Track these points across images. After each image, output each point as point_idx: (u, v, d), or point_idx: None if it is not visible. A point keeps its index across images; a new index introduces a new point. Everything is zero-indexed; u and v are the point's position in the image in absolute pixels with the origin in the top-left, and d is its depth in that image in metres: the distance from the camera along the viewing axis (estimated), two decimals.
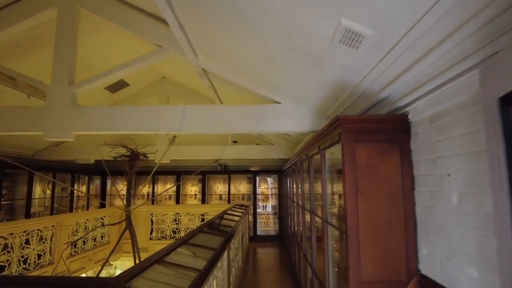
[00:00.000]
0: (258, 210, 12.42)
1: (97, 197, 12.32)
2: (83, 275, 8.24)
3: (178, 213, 10.05)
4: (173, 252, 3.32)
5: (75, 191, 10.95)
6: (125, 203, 5.82)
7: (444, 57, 1.68)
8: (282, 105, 4.11)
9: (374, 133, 2.35)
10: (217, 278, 3.43)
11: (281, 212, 12.02)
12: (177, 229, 9.91)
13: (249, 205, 11.22)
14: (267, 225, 12.51)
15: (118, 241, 5.93)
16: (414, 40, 1.73)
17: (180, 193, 12.77)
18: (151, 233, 9.80)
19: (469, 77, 1.61)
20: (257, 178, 12.69)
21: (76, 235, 7.73)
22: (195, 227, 8.52)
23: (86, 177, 12.06)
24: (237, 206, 10.12)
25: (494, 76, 1.30)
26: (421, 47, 1.75)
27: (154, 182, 12.86)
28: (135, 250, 5.61)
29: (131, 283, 2.32)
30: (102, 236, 8.90)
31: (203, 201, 12.51)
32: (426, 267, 2.11)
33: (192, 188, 13.23)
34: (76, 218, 7.98)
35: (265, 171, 12.66)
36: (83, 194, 11.67)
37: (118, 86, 7.73)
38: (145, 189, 12.90)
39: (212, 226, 5.77)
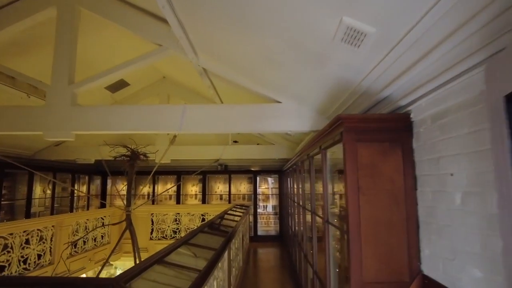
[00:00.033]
0: (258, 210, 12.39)
1: (98, 197, 12.30)
2: (83, 275, 8.22)
3: (179, 213, 10.02)
4: (174, 252, 3.30)
5: (75, 191, 10.94)
6: (125, 203, 5.80)
7: (447, 55, 1.66)
8: (282, 105, 4.09)
9: (376, 132, 2.33)
10: (217, 278, 3.41)
11: (282, 212, 12.00)
12: (177, 229, 9.89)
13: (249, 205, 11.19)
14: (267, 225, 12.48)
15: (118, 241, 5.91)
16: (417, 37, 1.71)
17: (181, 193, 12.75)
18: (151, 233, 9.78)
19: (473, 75, 1.59)
20: (258, 178, 12.66)
21: (77, 235, 7.71)
22: (195, 227, 8.51)
23: (87, 177, 12.05)
24: (238, 206, 10.10)
25: (501, 73, 1.27)
26: (424, 45, 1.73)
27: (154, 182, 12.84)
28: (135, 250, 5.58)
29: (131, 283, 2.30)
30: (102, 236, 8.88)
31: (204, 201, 12.48)
32: (429, 268, 2.09)
33: (193, 188, 13.21)
34: (76, 218, 7.97)
35: (266, 171, 12.64)
36: (83, 194, 11.66)
37: (118, 86, 7.72)
38: (146, 189, 12.88)
39: (212, 226, 5.75)
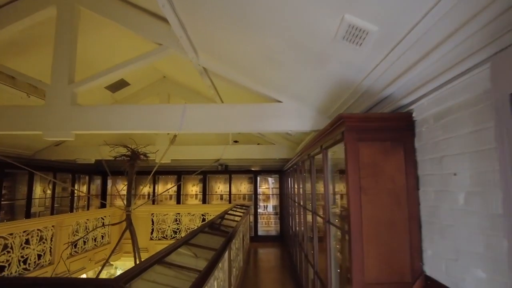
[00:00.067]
0: (259, 210, 12.37)
1: (98, 197, 12.29)
2: (84, 275, 8.21)
3: (179, 213, 10.01)
4: (174, 253, 3.28)
5: (75, 191, 10.92)
6: (125, 203, 5.78)
7: (450, 53, 1.64)
8: (283, 104, 4.07)
9: (378, 131, 2.31)
10: (218, 279, 3.40)
11: (282, 212, 11.98)
12: (178, 229, 9.87)
13: (250, 205, 11.17)
14: (268, 225, 12.46)
15: (119, 241, 5.89)
16: (420, 35, 1.69)
17: (181, 193, 12.74)
18: (151, 233, 9.76)
19: (477, 73, 1.57)
20: (258, 178, 12.64)
21: (77, 235, 7.70)
22: (196, 227, 8.49)
23: (87, 177, 12.04)
24: (238, 206, 10.07)
25: (507, 70, 1.25)
26: (427, 43, 1.71)
27: (154, 182, 12.83)
28: (136, 250, 5.57)
29: (131, 284, 2.28)
30: (102, 236, 8.87)
31: (204, 201, 12.47)
32: (431, 268, 2.07)
33: (193, 188, 13.19)
34: (77, 218, 7.95)
35: (266, 171, 12.62)
36: (83, 194, 11.64)
37: (119, 85, 7.70)
38: (146, 189, 12.87)
39: (213, 226, 5.73)
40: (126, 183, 6.00)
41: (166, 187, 12.97)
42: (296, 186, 6.73)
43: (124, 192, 6.07)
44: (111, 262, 8.82)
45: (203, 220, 9.88)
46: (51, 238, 6.78)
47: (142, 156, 5.90)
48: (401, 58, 1.95)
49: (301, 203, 5.68)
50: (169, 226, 9.85)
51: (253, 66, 3.66)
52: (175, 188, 12.54)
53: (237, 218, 7.30)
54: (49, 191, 10.03)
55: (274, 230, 12.30)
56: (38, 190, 9.72)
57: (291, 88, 3.73)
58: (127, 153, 5.81)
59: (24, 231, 6.06)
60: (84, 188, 12.02)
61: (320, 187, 4.14)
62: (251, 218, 11.67)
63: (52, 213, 9.75)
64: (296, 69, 3.12)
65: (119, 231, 7.73)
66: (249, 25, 2.68)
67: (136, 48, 5.46)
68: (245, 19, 2.59)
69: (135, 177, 6.66)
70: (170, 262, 3.04)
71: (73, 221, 7.62)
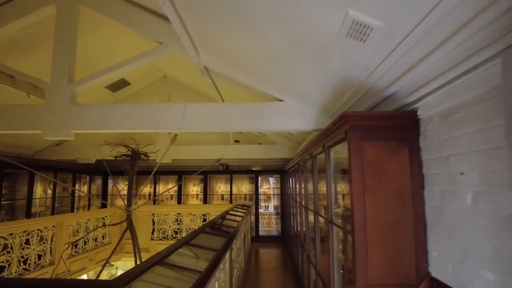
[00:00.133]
0: (260, 210, 12.34)
1: (98, 197, 12.27)
2: (84, 275, 8.18)
3: (180, 213, 9.98)
4: (174, 253, 3.25)
5: (76, 191, 10.90)
6: (126, 203, 5.75)
7: (458, 49, 1.60)
8: (285, 103, 4.03)
9: (382, 130, 2.26)
10: (219, 279, 3.36)
11: (284, 212, 11.94)
12: (178, 229, 9.84)
13: (251, 205, 11.13)
14: (269, 225, 12.43)
15: (119, 241, 5.86)
16: (426, 31, 1.65)
17: (182, 193, 12.70)
18: (152, 233, 9.74)
19: (485, 70, 1.52)
20: (259, 178, 12.60)
21: (77, 235, 7.67)
22: (197, 227, 8.45)
23: (88, 177, 12.02)
24: (239, 206, 10.04)
25: None
26: (433, 39, 1.67)
27: (155, 182, 12.81)
28: (136, 250, 5.53)
29: (131, 285, 2.25)
30: (103, 236, 8.84)
31: (205, 201, 12.43)
32: (437, 270, 2.02)
33: (194, 188, 13.16)
34: (77, 218, 7.92)
35: (267, 171, 12.58)
36: (84, 194, 11.62)
37: (119, 85, 7.67)
38: (147, 189, 12.84)
39: (214, 227, 5.69)
40: (126, 183, 5.97)
41: (167, 187, 12.95)
42: (297, 186, 6.69)
43: (125, 192, 6.04)
44: (112, 263, 8.80)
45: (204, 220, 9.85)
46: (52, 238, 6.75)
47: (142, 156, 5.87)
48: (406, 54, 1.91)
49: (303, 203, 5.64)
50: (170, 226, 9.82)
51: (254, 64, 3.62)
52: (176, 188, 12.52)
53: (238, 218, 7.27)
54: (49, 191, 10.01)
55: (275, 230, 12.26)
56: (38, 190, 9.70)
57: (292, 86, 3.69)
58: (127, 153, 5.79)
59: (24, 231, 6.03)
60: (85, 188, 11.99)
61: (322, 187, 4.10)
62: (252, 218, 11.64)
63: (52, 213, 9.73)
64: (298, 67, 3.08)
65: (119, 231, 7.70)
66: (250, 22, 2.64)
67: (137, 47, 5.42)
68: (246, 16, 2.55)
69: (136, 177, 6.64)
70: (171, 262, 3.00)
71: (73, 221, 7.59)
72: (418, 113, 2.21)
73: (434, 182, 2.06)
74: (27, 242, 6.08)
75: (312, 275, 4.59)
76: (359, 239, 2.18)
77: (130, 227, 5.60)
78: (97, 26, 5.43)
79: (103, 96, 7.71)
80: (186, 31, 3.33)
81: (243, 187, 12.99)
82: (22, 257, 5.94)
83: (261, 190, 12.75)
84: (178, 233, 9.79)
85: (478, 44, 1.49)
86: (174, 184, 12.70)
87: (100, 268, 6.20)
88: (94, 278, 8.02)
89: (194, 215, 9.97)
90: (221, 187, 13.06)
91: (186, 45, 3.61)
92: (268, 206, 12.79)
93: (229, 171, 12.45)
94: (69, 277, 6.85)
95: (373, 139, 2.25)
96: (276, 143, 9.15)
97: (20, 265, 5.86)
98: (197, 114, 4.05)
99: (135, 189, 12.04)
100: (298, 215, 6.57)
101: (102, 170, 11.52)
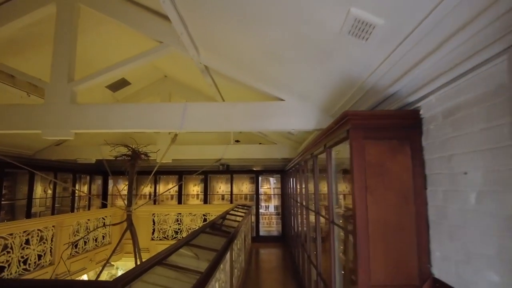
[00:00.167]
0: (260, 210, 12.32)
1: (99, 197, 12.25)
2: (84, 275, 8.17)
3: (180, 213, 9.97)
4: (175, 254, 3.23)
5: (76, 191, 10.88)
6: (126, 203, 5.73)
7: (462, 46, 1.57)
8: (285, 102, 4.00)
9: (384, 129, 2.24)
10: (219, 280, 3.34)
11: (284, 212, 11.92)
12: (179, 229, 9.83)
13: (251, 205, 11.11)
14: (269, 225, 12.41)
15: (119, 241, 5.84)
16: (430, 28, 1.63)
17: (182, 193, 12.69)
18: (153, 233, 9.72)
19: (490, 67, 1.50)
20: (260, 178, 12.59)
21: (77, 235, 7.65)
22: (197, 228, 8.43)
23: (88, 177, 12.01)
24: (240, 206, 10.02)
25: None
26: (437, 36, 1.64)
27: (156, 182, 12.79)
28: (136, 250, 5.52)
29: (130, 286, 2.23)
30: (103, 237, 8.83)
31: (205, 201, 12.42)
32: (440, 271, 2.00)
33: (194, 188, 13.14)
34: (77, 218, 7.91)
35: (268, 171, 12.56)
36: (84, 194, 11.61)
37: (119, 85, 7.65)
38: (147, 189, 12.83)
39: (214, 227, 5.68)
40: (127, 183, 5.96)
41: (167, 187, 12.93)
42: (298, 186, 6.67)
43: (125, 192, 6.02)
44: (112, 263, 8.78)
45: (205, 220, 9.84)
46: (52, 238, 6.74)
47: (143, 156, 5.86)
48: (408, 53, 1.89)
49: (304, 203, 5.62)
50: (170, 226, 9.80)
51: (254, 63, 3.60)
52: (176, 188, 12.50)
53: (238, 219, 7.25)
54: (49, 191, 10.00)
55: (275, 231, 12.24)
56: (38, 190, 9.69)
57: (293, 86, 3.67)
58: (128, 153, 5.77)
59: (24, 231, 6.01)
60: (85, 188, 11.98)
61: (323, 187, 4.08)
62: (253, 218, 11.63)
63: (53, 213, 9.72)
64: (299, 66, 3.06)
65: (120, 231, 7.68)
66: (251, 21, 2.62)
67: (137, 47, 5.41)
68: (247, 14, 2.53)
69: (136, 177, 6.63)
70: (171, 263, 2.98)
71: (73, 221, 7.57)
72: (421, 112, 2.18)
73: (436, 182, 2.03)
74: (27, 242, 6.06)
75: (313, 275, 4.57)
76: (361, 240, 2.16)
77: (130, 227, 5.59)
78: (97, 26, 5.41)
79: (103, 96, 7.69)
80: (187, 30, 3.31)
81: (244, 187, 12.97)
82: (22, 257, 5.92)
83: (261, 190, 12.74)
84: (179, 233, 9.77)
85: (483, 42, 1.46)
86: (174, 184, 12.69)
87: (100, 268, 6.19)
88: (94, 278, 8.01)
89: (195, 215, 9.96)
90: (221, 187, 13.04)
91: (186, 44, 3.60)
92: (268, 206, 12.77)
93: (229, 171, 12.43)
94: (69, 277, 6.83)
95: (375, 139, 2.23)
96: (277, 143, 9.13)
97: (20, 265, 5.84)
98: (198, 113, 4.03)
99: (135, 189, 12.02)
100: (299, 215, 6.55)
101: (103, 170, 11.50)
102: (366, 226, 2.16)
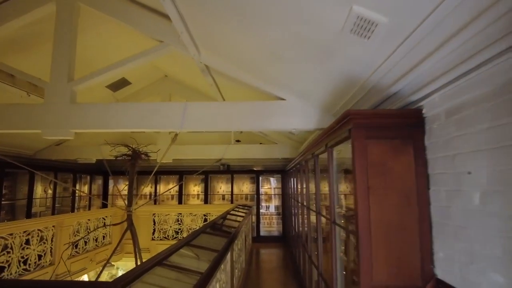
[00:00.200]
0: (261, 211, 12.30)
1: (99, 197, 12.24)
2: (85, 275, 8.16)
3: (181, 213, 9.95)
4: (175, 254, 3.21)
5: (76, 191, 10.87)
6: (126, 203, 5.72)
7: (466, 44, 1.55)
8: (286, 102, 3.98)
9: (386, 129, 2.22)
10: (220, 281, 3.31)
11: (285, 212, 11.90)
12: (179, 229, 9.81)
13: (252, 205, 11.09)
14: (270, 225, 12.39)
15: (119, 241, 5.83)
16: (433, 26, 1.60)
17: (183, 193, 12.68)
18: (153, 233, 9.70)
19: (495, 65, 1.47)
20: (260, 178, 12.57)
21: (78, 235, 7.63)
22: (197, 228, 8.42)
23: (88, 177, 12.00)
24: (240, 206, 10.01)
25: None
26: (440, 34, 1.62)
27: (156, 182, 12.78)
28: (136, 251, 5.50)
29: (130, 287, 2.20)
30: (104, 237, 8.81)
31: (206, 201, 12.40)
32: (443, 272, 1.97)
33: (195, 188, 13.13)
34: (77, 218, 7.89)
35: (268, 171, 12.54)
36: (84, 194, 11.60)
37: (120, 84, 7.63)
38: (147, 189, 12.81)
39: (215, 227, 5.66)
40: (127, 183, 5.94)
41: (168, 187, 12.92)
42: (299, 186, 6.64)
43: (126, 192, 6.01)
44: (112, 263, 8.76)
45: (205, 220, 9.82)
46: (52, 239, 6.72)
47: (143, 156, 5.84)
48: (412, 51, 1.86)
49: (305, 203, 5.59)
50: (170, 227, 9.78)
51: (255, 62, 3.58)
52: (176, 188, 12.48)
53: (239, 219, 7.23)
54: (50, 191, 9.98)
55: (276, 231, 12.22)
56: (39, 190, 9.67)
57: (294, 85, 3.65)
58: (128, 153, 5.75)
59: (24, 231, 6.00)
60: (86, 188, 11.97)
61: (324, 187, 4.05)
62: (253, 218, 11.61)
63: (53, 213, 9.70)
64: (300, 65, 3.04)
65: (120, 231, 7.67)
66: (251, 20, 2.60)
67: (137, 47, 5.38)
68: (247, 13, 2.51)
69: (137, 177, 6.61)
70: (171, 263, 2.96)
71: (74, 221, 7.56)
72: (423, 111, 2.16)
73: (440, 181, 2.01)
74: (27, 242, 6.05)
75: (314, 275, 4.55)
76: (363, 240, 2.14)
77: (131, 227, 5.57)
78: (97, 25, 5.39)
79: (103, 95, 7.67)
80: (187, 29, 3.29)
81: (244, 187, 12.95)
82: (22, 257, 5.91)
83: (262, 190, 12.72)
84: (179, 233, 9.76)
85: (486, 40, 1.44)
86: (175, 184, 12.67)
87: (101, 268, 6.17)
88: (94, 278, 7.99)
89: (195, 215, 9.94)
90: (222, 187, 13.03)
91: (186, 43, 3.57)
92: (269, 206, 12.75)
93: (230, 171, 12.41)
94: (69, 278, 6.82)
95: (377, 138, 2.21)
96: (278, 143, 9.11)
97: (20, 266, 5.83)
98: (198, 113, 4.01)
99: (135, 189, 12.01)
100: (300, 215, 6.52)
101: (103, 170, 11.50)
102: (368, 226, 2.14)
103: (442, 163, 1.97)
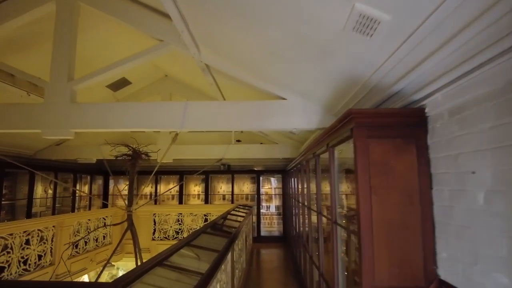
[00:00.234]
0: (261, 211, 12.28)
1: (99, 197, 12.23)
2: (85, 276, 8.14)
3: (181, 213, 9.93)
4: (175, 254, 3.19)
5: (77, 191, 10.86)
6: (127, 203, 5.70)
7: (470, 42, 1.53)
8: (287, 101, 3.96)
9: (388, 128, 2.20)
10: (220, 281, 3.29)
11: (285, 212, 11.88)
12: (180, 229, 9.79)
13: (252, 205, 11.06)
14: (270, 225, 12.36)
15: (120, 241, 5.82)
16: (437, 24, 1.58)
17: (183, 193, 12.66)
18: (153, 233, 9.69)
19: (499, 64, 1.45)
20: (261, 178, 12.55)
21: (78, 235, 7.62)
22: (198, 228, 8.40)
23: (88, 177, 11.99)
24: (241, 206, 9.99)
25: None
26: (444, 32, 1.60)
27: (156, 182, 12.77)
28: (137, 251, 5.48)
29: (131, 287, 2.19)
30: (104, 237, 8.79)
31: (206, 201, 12.38)
32: (446, 272, 1.95)
33: (195, 188, 13.11)
34: (78, 218, 7.87)
35: (269, 171, 12.52)
36: (85, 194, 11.58)
37: (120, 84, 7.62)
38: (148, 189, 12.80)
39: (215, 227, 5.64)
40: (127, 183, 5.93)
41: (168, 187, 12.90)
42: (300, 186, 6.62)
43: (126, 192, 5.99)
44: (113, 263, 8.75)
45: (206, 220, 9.80)
46: (52, 239, 6.70)
47: (143, 156, 5.83)
48: (414, 49, 1.84)
49: (306, 203, 5.57)
50: (171, 227, 9.76)
51: (256, 61, 3.56)
52: (177, 188, 12.47)
53: (239, 219, 7.21)
54: (50, 191, 9.97)
55: (277, 231, 12.20)
56: (39, 190, 9.66)
57: (295, 84, 3.63)
58: (128, 153, 5.74)
59: (24, 231, 5.98)
60: (86, 188, 11.96)
61: (325, 187, 4.03)
62: (254, 218, 11.59)
63: (53, 213, 9.68)
64: (301, 64, 3.01)
65: (121, 231, 7.66)
66: (252, 18, 2.58)
67: (137, 46, 5.36)
68: (248, 11, 2.49)
69: (137, 177, 6.59)
70: (172, 264, 2.94)
71: (74, 221, 7.54)
72: (426, 110, 2.14)
73: (442, 181, 1.99)
74: (27, 242, 6.03)
75: (315, 276, 4.53)
76: (365, 240, 2.12)
77: (131, 227, 5.55)
78: (97, 24, 5.38)
79: (103, 95, 7.66)
80: (187, 28, 3.27)
81: (245, 187, 12.94)
82: (22, 257, 5.89)
83: (262, 190, 12.70)
84: (180, 233, 9.74)
85: (490, 38, 1.42)
86: (175, 184, 12.65)
87: (101, 268, 6.15)
88: (95, 278, 7.97)
89: (196, 215, 9.92)
90: (222, 187, 13.01)
91: (187, 42, 3.56)
92: (269, 206, 12.73)
93: (230, 171, 12.40)
94: (69, 278, 6.80)
95: (379, 137, 2.19)
96: (278, 143, 9.10)
97: (20, 266, 5.81)
98: (198, 112, 3.99)
99: (136, 189, 11.99)
100: (301, 216, 6.50)
101: (103, 170, 11.48)
102: (370, 226, 2.12)
103: (445, 163, 1.95)
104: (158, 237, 9.68)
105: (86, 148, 8.70)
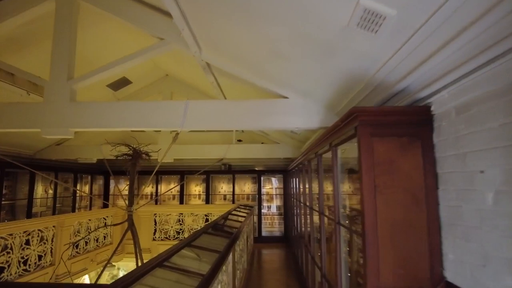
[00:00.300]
0: (263, 211, 12.24)
1: (100, 197, 12.20)
2: (85, 276, 8.11)
3: (182, 213, 9.90)
4: (176, 255, 3.15)
5: (77, 191, 10.83)
6: (127, 203, 5.66)
7: (479, 38, 1.48)
8: (289, 100, 3.92)
9: (393, 126, 2.15)
10: (221, 282, 3.25)
11: (287, 212, 11.84)
12: (180, 229, 9.76)
13: (253, 205, 11.02)
14: (272, 225, 12.32)
15: (120, 242, 5.78)
16: (444, 19, 1.53)
17: (184, 193, 12.63)
18: (154, 233, 9.66)
19: (507, 61, 1.41)
20: (262, 178, 12.51)
21: (78, 235, 7.59)
22: (199, 228, 8.36)
23: (89, 177, 11.96)
24: (242, 207, 9.95)
25: None
26: (451, 28, 1.55)
27: (157, 182, 12.74)
28: (137, 251, 5.44)
29: None
30: (104, 237, 8.76)
31: (207, 201, 12.34)
32: (453, 274, 1.91)
33: (196, 188, 13.08)
34: (78, 218, 7.84)
35: (270, 171, 12.48)
36: (85, 194, 11.56)
37: (120, 84, 7.57)
38: (148, 189, 12.77)
39: (216, 227, 5.60)
40: (128, 182, 5.90)
41: (169, 187, 12.87)
42: (301, 186, 6.58)
43: (126, 192, 5.95)
44: (113, 263, 8.73)
45: (207, 220, 9.77)
46: (52, 239, 6.67)
47: (144, 155, 5.79)
48: (420, 45, 1.80)
49: (307, 204, 5.53)
50: (172, 227, 9.73)
51: (257, 60, 3.52)
52: (178, 188, 12.43)
53: (241, 219, 7.17)
54: (50, 191, 9.94)
55: (278, 231, 12.16)
56: (39, 190, 9.63)
57: (297, 83, 3.58)
58: (129, 152, 5.70)
59: (24, 232, 5.95)
60: (86, 188, 11.93)
61: (327, 187, 3.99)
62: (255, 218, 11.55)
63: (54, 213, 9.65)
64: (303, 62, 2.97)
65: (121, 232, 7.62)
66: (254, 17, 2.54)
67: (137, 45, 5.32)
68: (250, 9, 2.44)
69: (138, 177, 6.55)
70: (172, 265, 2.90)
71: (74, 221, 7.51)
72: (432, 108, 2.10)
73: (449, 181, 1.94)
74: (27, 242, 6.00)
75: (317, 276, 4.48)
76: (369, 241, 2.07)
77: (132, 227, 5.52)
78: (97, 23, 5.34)
79: (104, 95, 7.62)
80: (188, 25, 3.22)
81: (246, 187, 12.90)
82: (22, 257, 5.86)
83: (264, 190, 12.66)
84: (180, 234, 9.70)
85: (499, 34, 1.38)
86: (176, 184, 12.62)
87: (101, 268, 6.12)
88: (95, 278, 7.94)
89: (196, 215, 9.89)
90: (223, 187, 12.97)
91: (188, 41, 3.51)
92: (271, 206, 12.69)
93: (231, 171, 12.36)
94: (69, 278, 6.77)
95: (384, 136, 2.14)
96: (280, 143, 9.04)
97: (20, 266, 5.78)
98: (199, 111, 3.95)
99: (136, 189, 11.94)
100: (302, 216, 6.46)
101: (104, 170, 11.46)
102: (375, 226, 2.07)
103: (452, 162, 1.90)
104: (159, 237, 9.65)
105: (87, 148, 8.67)
